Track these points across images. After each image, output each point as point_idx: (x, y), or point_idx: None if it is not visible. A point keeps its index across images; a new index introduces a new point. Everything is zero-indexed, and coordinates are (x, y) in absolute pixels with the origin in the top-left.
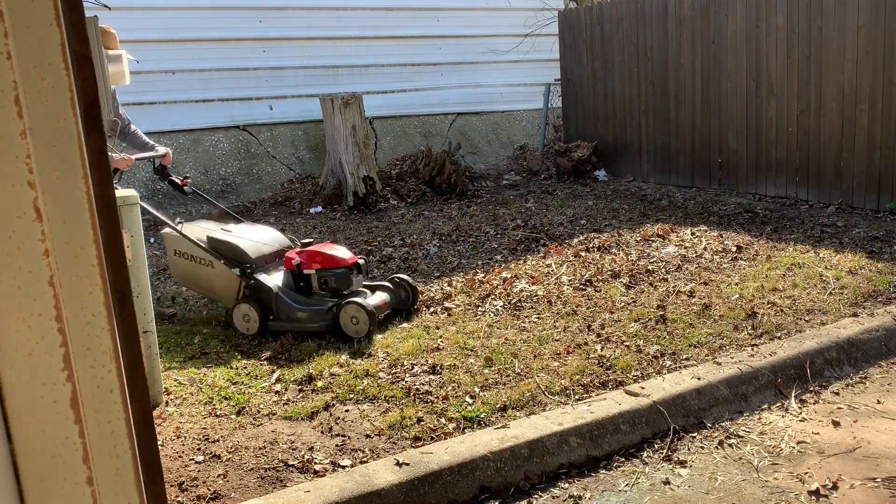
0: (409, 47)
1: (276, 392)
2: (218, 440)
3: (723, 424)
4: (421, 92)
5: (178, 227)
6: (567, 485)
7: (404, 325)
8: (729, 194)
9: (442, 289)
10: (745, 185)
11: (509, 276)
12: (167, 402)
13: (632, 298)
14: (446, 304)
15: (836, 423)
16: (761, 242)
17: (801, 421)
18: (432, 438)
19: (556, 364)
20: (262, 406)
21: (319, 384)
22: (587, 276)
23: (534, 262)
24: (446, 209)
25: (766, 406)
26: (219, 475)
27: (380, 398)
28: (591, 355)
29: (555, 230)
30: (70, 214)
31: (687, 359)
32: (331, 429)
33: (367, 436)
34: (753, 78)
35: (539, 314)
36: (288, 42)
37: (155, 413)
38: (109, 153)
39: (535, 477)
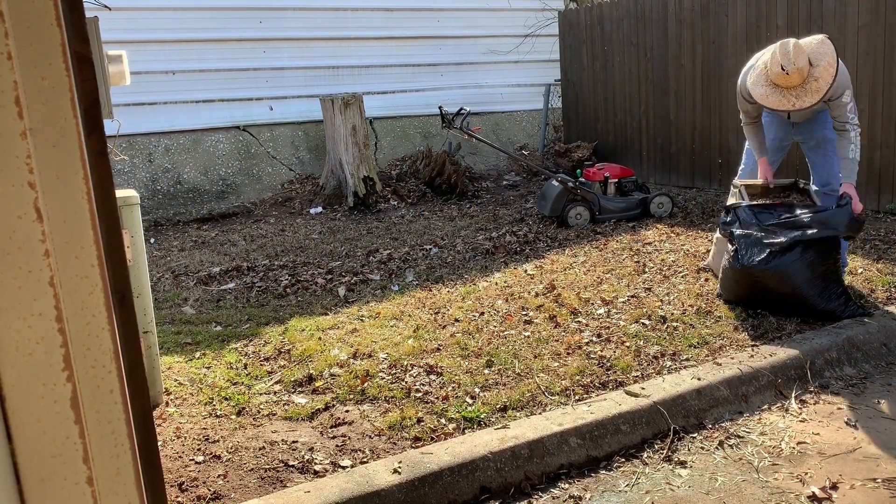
0: (409, 48)
1: (276, 392)
2: (218, 440)
3: (723, 425)
4: (421, 92)
5: None
6: (567, 485)
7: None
8: (727, 193)
9: (446, 290)
10: None
11: (512, 277)
12: (167, 403)
13: (632, 296)
14: (448, 309)
15: (836, 424)
16: None
17: (801, 421)
18: (432, 439)
19: (556, 364)
20: (262, 406)
21: (319, 384)
22: (589, 280)
23: (536, 263)
24: (446, 209)
25: (766, 406)
26: (219, 475)
27: (380, 398)
28: (592, 356)
29: (556, 231)
30: (70, 214)
31: (687, 359)
32: (331, 429)
33: (367, 436)
34: None
35: (540, 319)
36: (288, 42)
37: (155, 413)
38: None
39: (535, 477)
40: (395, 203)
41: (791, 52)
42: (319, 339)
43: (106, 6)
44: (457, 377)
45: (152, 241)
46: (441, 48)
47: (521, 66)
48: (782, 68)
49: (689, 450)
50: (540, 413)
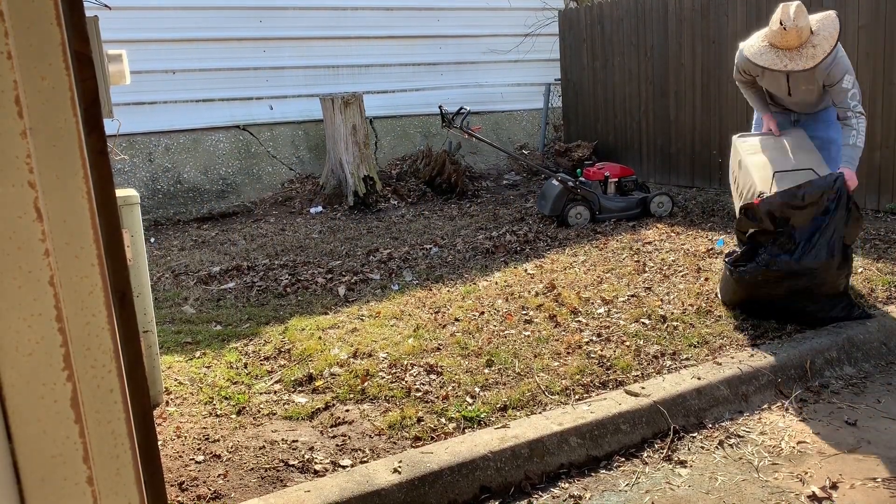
0: (409, 47)
1: (276, 392)
2: (218, 440)
3: (723, 424)
4: (421, 92)
5: None
6: (567, 484)
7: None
8: (729, 195)
9: (448, 289)
10: None
11: (513, 277)
12: (167, 402)
13: (632, 296)
14: (449, 308)
15: (836, 423)
16: None
17: (801, 421)
18: (432, 438)
19: (557, 364)
20: (262, 406)
21: (319, 384)
22: (589, 279)
23: (536, 262)
24: (446, 209)
25: (766, 406)
26: (219, 475)
27: (380, 398)
28: (592, 355)
29: (556, 230)
30: (70, 214)
31: (687, 358)
32: (331, 428)
33: (368, 435)
34: None
35: (539, 318)
36: (288, 42)
37: (155, 413)
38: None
39: (535, 477)
40: (396, 202)
41: (792, 11)
42: (319, 338)
43: (106, 6)
44: (457, 377)
45: (152, 240)
46: (441, 47)
47: (521, 66)
48: (781, 23)
49: (689, 449)
50: (540, 412)
